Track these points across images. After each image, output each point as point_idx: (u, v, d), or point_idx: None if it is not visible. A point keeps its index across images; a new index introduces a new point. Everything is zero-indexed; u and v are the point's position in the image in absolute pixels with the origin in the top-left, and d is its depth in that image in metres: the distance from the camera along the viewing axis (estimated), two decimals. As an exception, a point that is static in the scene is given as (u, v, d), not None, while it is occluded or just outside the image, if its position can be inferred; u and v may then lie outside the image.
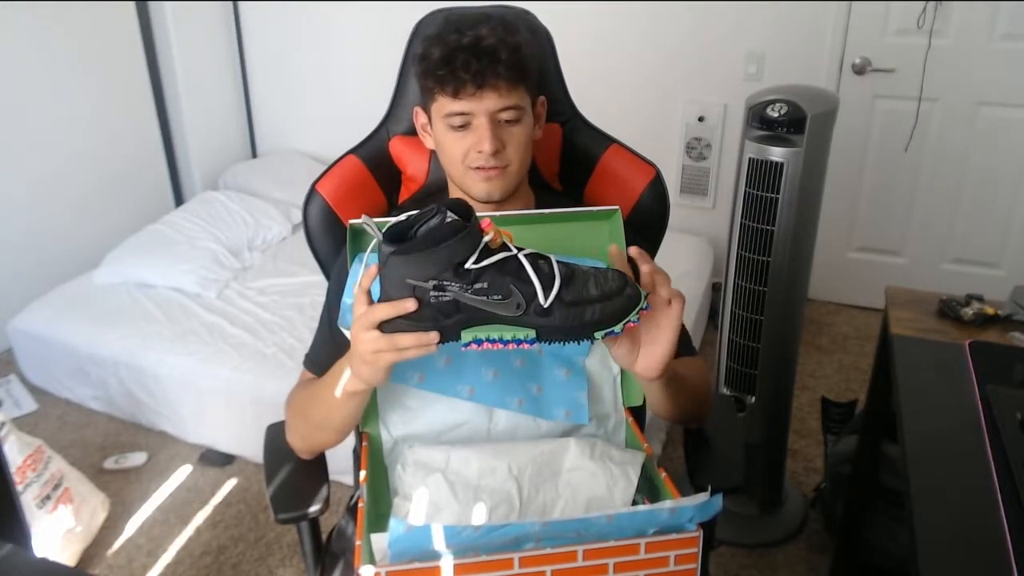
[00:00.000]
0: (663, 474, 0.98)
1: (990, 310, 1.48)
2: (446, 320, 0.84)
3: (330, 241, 1.23)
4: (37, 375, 2.63)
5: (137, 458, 2.33)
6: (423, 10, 1.23)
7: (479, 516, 0.94)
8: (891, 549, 1.75)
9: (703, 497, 0.85)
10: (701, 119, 2.99)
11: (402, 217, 0.85)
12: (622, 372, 1.10)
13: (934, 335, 1.44)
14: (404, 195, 1.28)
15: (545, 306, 0.82)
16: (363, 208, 1.23)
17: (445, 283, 0.82)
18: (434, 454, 0.99)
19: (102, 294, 2.61)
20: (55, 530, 1.89)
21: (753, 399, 1.94)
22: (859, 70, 2.78)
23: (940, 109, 2.74)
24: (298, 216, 3.12)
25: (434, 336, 0.84)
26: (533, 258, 0.84)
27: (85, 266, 2.77)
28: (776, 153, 1.70)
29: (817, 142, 1.71)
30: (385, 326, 0.85)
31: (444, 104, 1.03)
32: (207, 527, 2.10)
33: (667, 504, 0.87)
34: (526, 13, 1.26)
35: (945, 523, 1.02)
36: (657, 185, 1.24)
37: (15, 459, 1.84)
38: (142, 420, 2.45)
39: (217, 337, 2.37)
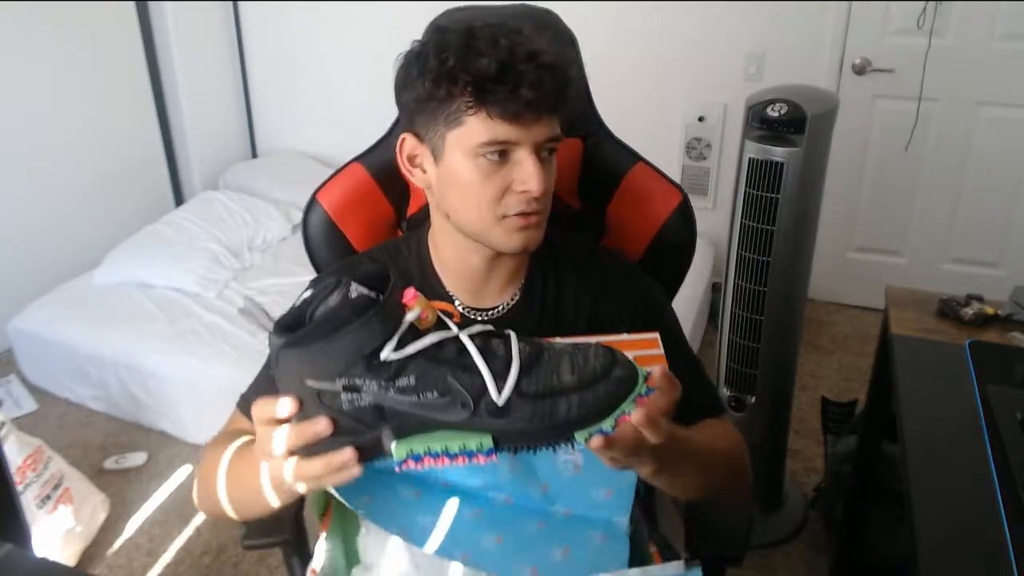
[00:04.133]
0: (653, 548, 0.91)
1: (990, 310, 1.48)
2: (368, 432, 0.63)
3: (329, 252, 1.17)
4: (37, 375, 2.62)
5: (137, 458, 2.33)
6: (424, 9, 1.18)
7: None
8: (891, 549, 1.75)
9: (677, 567, 0.75)
10: (701, 119, 2.99)
11: (304, 295, 0.66)
12: None
13: (934, 335, 1.44)
14: (413, 208, 1.17)
15: (500, 403, 0.61)
16: (366, 220, 1.14)
17: (358, 382, 0.61)
18: None
19: (102, 294, 2.61)
20: (55, 530, 1.89)
21: (753, 399, 1.94)
22: (859, 70, 2.78)
23: (940, 109, 2.74)
24: (298, 216, 3.12)
25: (349, 456, 0.63)
26: (484, 338, 0.64)
27: (85, 266, 2.77)
28: (776, 153, 1.69)
29: (817, 142, 1.71)
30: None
31: (482, 129, 0.80)
32: (207, 527, 2.09)
33: (633, 573, 0.77)
34: (547, 13, 1.16)
35: (945, 523, 1.02)
36: (683, 210, 1.14)
37: (15, 459, 1.84)
38: (142, 420, 2.45)
39: (217, 337, 2.37)
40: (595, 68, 1.19)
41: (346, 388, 0.61)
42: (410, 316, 0.62)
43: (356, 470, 0.65)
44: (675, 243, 1.16)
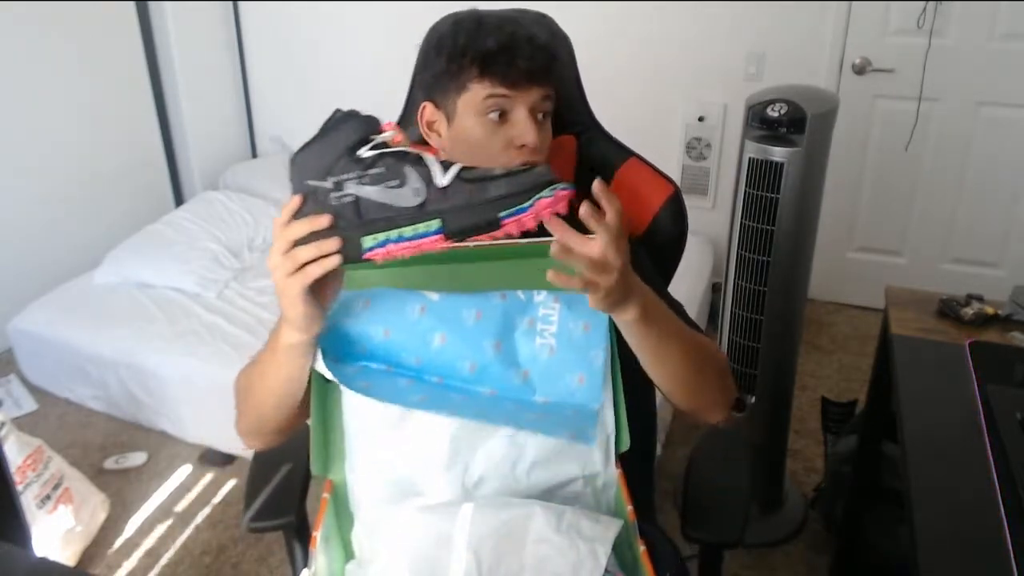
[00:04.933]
0: (642, 547, 0.92)
1: (990, 310, 1.48)
2: (348, 228, 0.81)
3: None
4: (37, 375, 2.62)
5: (137, 458, 2.33)
6: (425, 10, 1.21)
7: None
8: (891, 549, 1.75)
9: None
10: (701, 119, 2.99)
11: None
12: (615, 420, 0.97)
13: (934, 335, 1.44)
14: None
15: (443, 184, 0.78)
16: None
17: (342, 177, 0.79)
18: (391, 517, 0.93)
19: (102, 294, 2.61)
20: (55, 530, 1.89)
21: (753, 399, 1.94)
22: (859, 70, 2.78)
23: (940, 109, 2.74)
24: (298, 216, 3.12)
25: (334, 243, 0.80)
26: (442, 161, 0.81)
27: (85, 266, 2.77)
28: (776, 153, 1.70)
29: (817, 142, 1.71)
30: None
31: (483, 90, 0.97)
32: (207, 527, 2.10)
33: None
34: (543, 16, 1.22)
35: (945, 523, 1.02)
36: (675, 203, 1.19)
37: (15, 459, 1.84)
38: (142, 420, 2.44)
39: (217, 337, 2.37)
40: (594, 68, 1.20)
41: (335, 186, 0.79)
42: (387, 134, 0.82)
43: (336, 259, 0.80)
44: (667, 234, 1.21)
